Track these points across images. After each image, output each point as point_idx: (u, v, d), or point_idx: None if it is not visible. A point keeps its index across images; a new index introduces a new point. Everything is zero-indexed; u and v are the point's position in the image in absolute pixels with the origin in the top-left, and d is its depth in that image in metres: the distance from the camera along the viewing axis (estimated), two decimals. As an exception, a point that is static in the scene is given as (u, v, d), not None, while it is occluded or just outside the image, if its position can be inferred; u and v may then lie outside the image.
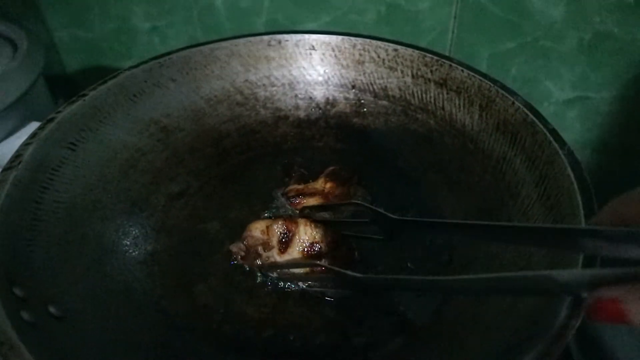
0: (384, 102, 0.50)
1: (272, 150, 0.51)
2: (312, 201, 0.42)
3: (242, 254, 0.40)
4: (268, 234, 0.38)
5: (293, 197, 0.43)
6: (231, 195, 0.46)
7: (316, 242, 0.38)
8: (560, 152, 0.37)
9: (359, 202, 0.39)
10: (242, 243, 0.39)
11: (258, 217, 0.44)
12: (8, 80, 0.49)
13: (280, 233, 0.38)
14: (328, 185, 0.43)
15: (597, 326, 0.48)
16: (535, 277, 0.25)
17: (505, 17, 0.58)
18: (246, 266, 0.40)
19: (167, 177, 0.46)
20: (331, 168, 0.45)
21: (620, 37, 0.56)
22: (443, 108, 0.47)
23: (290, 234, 0.38)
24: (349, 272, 0.34)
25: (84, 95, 0.43)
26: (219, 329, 0.36)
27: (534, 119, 0.40)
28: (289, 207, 0.43)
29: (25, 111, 0.53)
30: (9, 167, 0.36)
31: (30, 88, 0.51)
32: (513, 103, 0.42)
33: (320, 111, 0.52)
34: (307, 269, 0.38)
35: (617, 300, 0.20)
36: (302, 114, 0.52)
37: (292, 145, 0.52)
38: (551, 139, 0.38)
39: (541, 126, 0.39)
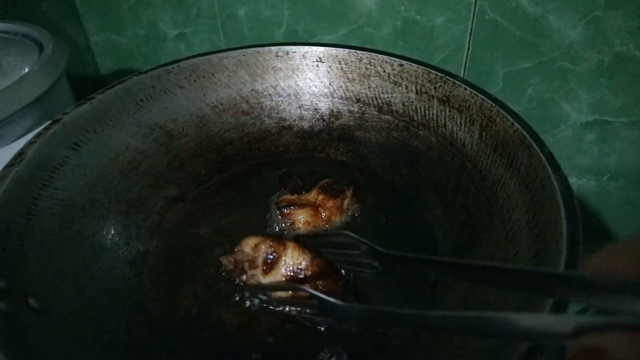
0: (388, 117, 0.50)
1: (273, 159, 0.52)
2: (302, 212, 0.42)
3: (230, 267, 0.40)
4: (256, 252, 0.38)
5: (284, 207, 0.43)
6: (227, 202, 0.47)
7: (301, 268, 0.37)
8: (552, 177, 0.36)
9: (348, 233, 0.36)
10: (232, 256, 0.39)
11: (251, 225, 0.44)
12: (30, 80, 0.51)
13: (266, 253, 0.37)
14: (320, 197, 0.43)
15: None
16: (493, 319, 0.23)
17: (521, 36, 0.57)
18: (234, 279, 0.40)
19: (167, 181, 0.47)
20: (325, 180, 0.45)
21: (642, 60, 0.54)
22: (445, 126, 0.47)
23: (277, 256, 0.37)
24: (329, 299, 0.32)
25: (92, 98, 0.45)
26: (197, 335, 0.36)
27: (531, 141, 0.39)
28: (279, 217, 0.44)
29: (45, 111, 0.55)
30: (11, 164, 0.38)
31: (51, 88, 0.54)
32: (512, 124, 0.41)
33: (324, 123, 0.53)
34: (291, 293, 0.37)
35: (602, 351, 0.19)
36: (306, 124, 0.53)
37: (294, 156, 0.52)
38: (546, 163, 0.37)
39: (537, 149, 0.38)
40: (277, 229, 0.44)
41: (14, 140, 0.53)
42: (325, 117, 0.53)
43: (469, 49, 0.61)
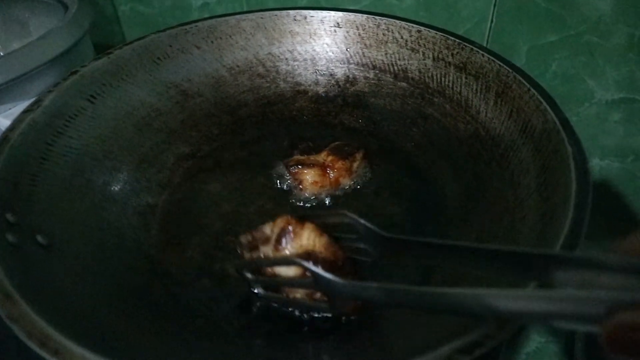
0: (403, 84, 0.50)
1: (287, 123, 0.52)
2: (310, 172, 0.42)
3: (246, 243, 0.35)
4: (273, 230, 0.34)
5: (292, 166, 0.43)
6: (238, 162, 0.47)
7: (313, 253, 0.32)
8: (566, 140, 0.35)
9: (346, 213, 0.32)
10: (250, 234, 0.35)
11: (260, 184, 0.45)
12: (52, 37, 0.52)
13: (282, 230, 0.33)
14: (329, 158, 0.43)
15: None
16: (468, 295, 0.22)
17: (547, 8, 0.55)
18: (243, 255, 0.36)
19: (180, 139, 0.48)
20: (336, 143, 0.45)
21: (675, 36, 0.51)
22: (460, 93, 0.46)
23: (292, 235, 0.33)
24: (328, 276, 0.29)
25: (110, 53, 0.46)
26: (198, 280, 0.37)
27: (547, 106, 0.38)
28: (287, 177, 0.44)
29: (67, 69, 0.56)
30: (28, 110, 0.39)
31: (73, 47, 0.55)
32: (529, 90, 0.40)
33: (339, 89, 0.52)
34: (297, 273, 0.32)
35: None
36: (321, 90, 0.53)
37: (308, 120, 0.52)
38: (560, 127, 0.36)
39: (552, 114, 0.37)
40: (285, 188, 0.44)
41: (36, 96, 0.55)
42: (340, 83, 0.52)
43: (492, 21, 0.59)
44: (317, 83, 0.53)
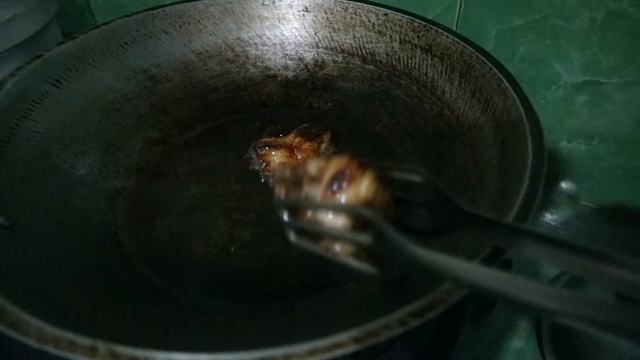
0: (371, 67, 0.50)
1: (256, 107, 0.52)
2: (278, 153, 0.43)
3: (285, 177, 0.30)
4: (323, 170, 0.28)
5: (259, 148, 0.43)
6: (208, 146, 0.47)
7: (371, 204, 0.27)
8: (525, 117, 0.35)
9: (422, 171, 0.27)
10: (291, 168, 0.31)
11: (229, 166, 0.45)
12: (16, 23, 0.52)
13: (338, 171, 0.28)
14: (297, 139, 0.44)
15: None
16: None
17: (514, -8, 0.56)
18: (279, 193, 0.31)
19: (149, 124, 0.48)
20: (304, 125, 0.45)
21: (636, 18, 0.53)
22: (426, 74, 0.46)
23: (350, 179, 0.27)
24: (403, 239, 0.23)
25: (75, 37, 0.46)
26: (164, 260, 0.37)
27: (507, 84, 0.39)
28: (255, 158, 0.44)
29: (31, 54, 0.56)
30: (-11, 94, 0.39)
31: (39, 33, 0.54)
32: (490, 69, 0.41)
33: (308, 73, 0.53)
34: (345, 224, 0.27)
35: None
36: (290, 74, 0.53)
37: (277, 104, 0.52)
38: (519, 104, 0.37)
39: (513, 92, 0.38)
40: (253, 169, 0.44)
41: None
42: (309, 67, 0.53)
43: (461, 6, 0.60)
44: (286, 67, 0.53)
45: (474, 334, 0.50)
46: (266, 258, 0.37)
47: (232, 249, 0.38)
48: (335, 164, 0.28)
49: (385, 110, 0.48)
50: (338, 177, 0.27)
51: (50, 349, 0.22)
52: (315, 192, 0.28)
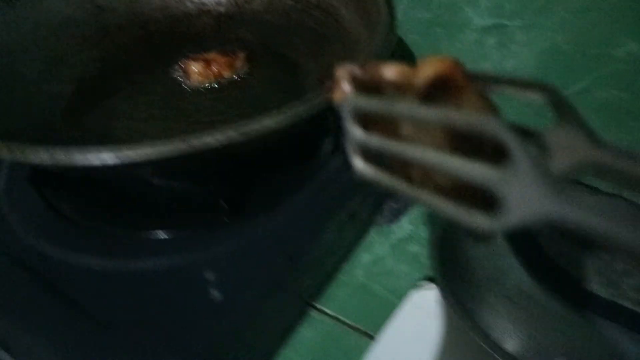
0: (289, 2, 0.58)
1: (192, 37, 0.59)
2: (195, 64, 0.50)
3: (356, 74, 0.23)
4: (409, 75, 0.22)
5: (181, 60, 0.51)
6: (143, 62, 0.55)
7: None
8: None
9: (553, 87, 0.20)
10: (363, 68, 0.23)
11: (158, 77, 0.53)
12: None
13: (438, 77, 0.21)
14: (214, 55, 0.51)
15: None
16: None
17: (426, -59, 0.63)
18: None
19: (93, 44, 0.55)
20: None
21: (531, -36, 0.59)
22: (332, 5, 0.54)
23: (451, 90, 0.21)
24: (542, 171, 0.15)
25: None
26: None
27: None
28: (176, 70, 0.52)
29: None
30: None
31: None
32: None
33: (238, 8, 0.60)
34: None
35: None
36: (222, 9, 0.60)
37: (209, 35, 0.60)
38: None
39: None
40: (175, 77, 0.52)
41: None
42: (239, 3, 0.60)
43: (384, -44, 0.67)
44: (219, 3, 0.60)
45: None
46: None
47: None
48: (434, 66, 0.21)
49: (299, 38, 0.56)
50: (439, 85, 0.21)
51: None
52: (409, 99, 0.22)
